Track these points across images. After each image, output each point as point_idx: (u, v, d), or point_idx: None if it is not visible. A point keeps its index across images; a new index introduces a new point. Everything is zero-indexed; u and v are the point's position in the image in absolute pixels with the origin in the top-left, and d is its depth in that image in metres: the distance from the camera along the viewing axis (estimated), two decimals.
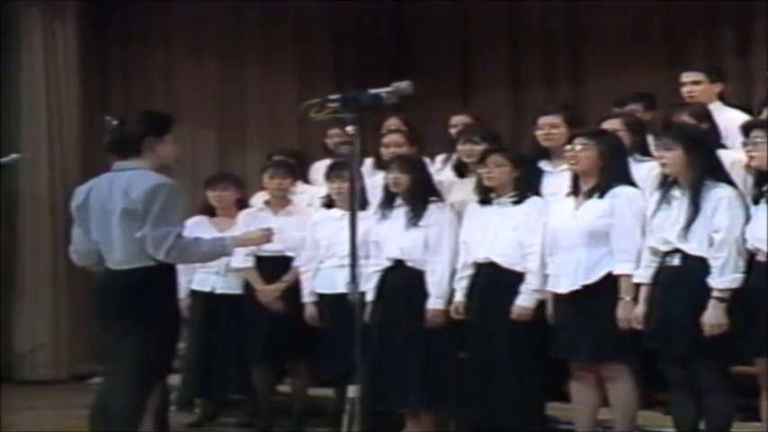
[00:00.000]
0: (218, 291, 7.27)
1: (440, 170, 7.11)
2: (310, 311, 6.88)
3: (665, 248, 5.37)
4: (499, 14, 10.88)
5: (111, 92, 10.42)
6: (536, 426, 6.07)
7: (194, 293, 7.27)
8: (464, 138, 6.77)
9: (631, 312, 5.51)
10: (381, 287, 6.45)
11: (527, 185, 6.16)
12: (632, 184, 5.70)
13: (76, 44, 10.00)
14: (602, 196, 5.64)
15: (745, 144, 5.41)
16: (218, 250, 5.25)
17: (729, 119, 6.33)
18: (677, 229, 5.29)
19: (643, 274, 5.47)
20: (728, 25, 9.42)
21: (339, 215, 6.68)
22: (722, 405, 5.32)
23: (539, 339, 5.93)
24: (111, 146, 5.11)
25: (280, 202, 7.20)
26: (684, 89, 6.71)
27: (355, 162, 4.62)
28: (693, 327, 5.17)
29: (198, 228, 6.80)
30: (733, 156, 5.72)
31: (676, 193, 5.37)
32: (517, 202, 6.12)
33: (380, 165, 7.04)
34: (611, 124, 6.16)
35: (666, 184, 5.43)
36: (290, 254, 7.06)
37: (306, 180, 7.88)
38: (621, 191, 5.63)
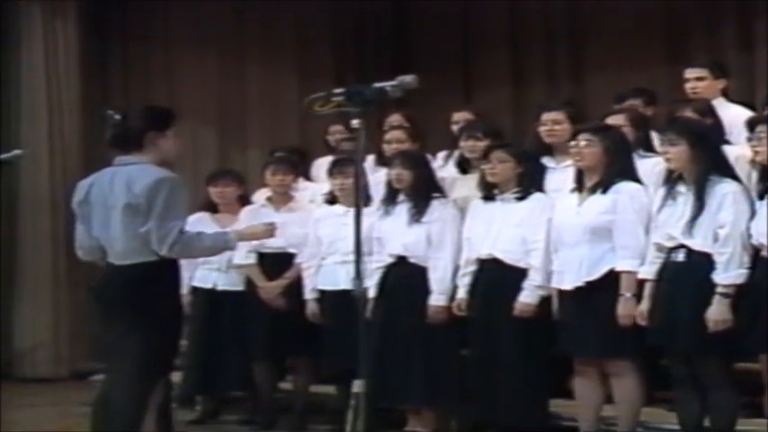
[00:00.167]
0: (220, 287, 7.28)
1: (442, 167, 7.08)
2: (312, 308, 6.85)
3: (669, 244, 5.34)
4: (500, 13, 10.88)
5: (111, 90, 10.41)
6: (539, 422, 6.05)
7: (196, 290, 7.27)
8: (467, 134, 6.74)
9: (632, 309, 5.48)
10: (383, 283, 6.44)
11: (530, 181, 6.14)
12: (636, 179, 5.67)
13: (77, 42, 10.00)
14: (605, 192, 5.61)
15: (749, 139, 5.41)
16: (221, 244, 5.23)
17: (733, 115, 6.33)
18: (682, 224, 5.27)
19: (648, 270, 5.45)
20: (729, 24, 9.41)
21: (342, 211, 6.68)
22: (727, 402, 5.29)
23: (542, 336, 5.92)
24: (114, 140, 5.08)
25: (282, 198, 7.19)
26: (688, 85, 6.70)
27: (360, 156, 4.60)
28: (698, 323, 5.15)
29: (200, 224, 6.75)
30: (737, 151, 5.70)
31: (681, 188, 5.34)
32: (520, 198, 6.11)
33: (382, 161, 7.02)
34: (614, 120, 6.13)
35: (671, 179, 5.40)
36: (292, 250, 7.05)
37: (307, 177, 7.85)
38: (624, 187, 5.61)
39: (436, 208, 6.38)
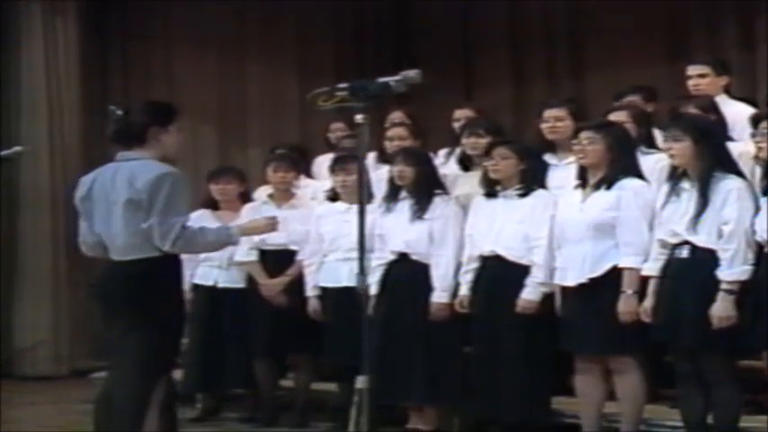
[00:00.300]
0: (221, 285, 7.27)
1: (443, 164, 7.07)
2: (314, 305, 6.84)
3: (673, 241, 5.32)
4: (500, 12, 10.88)
5: (111, 89, 10.40)
6: (541, 419, 6.04)
7: (196, 287, 7.25)
8: (469, 131, 6.74)
9: (634, 306, 5.47)
10: (385, 281, 6.42)
11: (533, 178, 6.12)
12: (640, 176, 5.66)
13: (77, 42, 10.00)
14: (608, 188, 5.60)
15: (753, 135, 5.39)
16: (224, 239, 5.21)
17: (736, 112, 6.32)
18: (686, 220, 5.25)
19: (652, 267, 5.43)
20: (729, 23, 9.42)
21: (343, 208, 6.68)
22: (731, 399, 5.27)
23: (544, 333, 5.90)
24: (115, 136, 5.06)
25: (283, 195, 7.18)
26: (690, 82, 6.69)
27: (363, 151, 4.58)
28: (702, 319, 5.13)
29: (201, 221, 6.66)
30: (740, 148, 5.69)
31: (685, 185, 5.32)
32: (523, 195, 6.09)
33: (384, 158, 7.00)
34: (617, 117, 6.12)
35: (675, 176, 5.38)
36: (293, 247, 7.04)
37: (308, 175, 7.84)
38: (628, 183, 5.59)
39: (438, 205, 6.37)
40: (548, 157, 6.39)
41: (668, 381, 5.72)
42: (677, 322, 5.24)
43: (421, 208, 6.36)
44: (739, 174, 5.29)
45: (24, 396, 8.34)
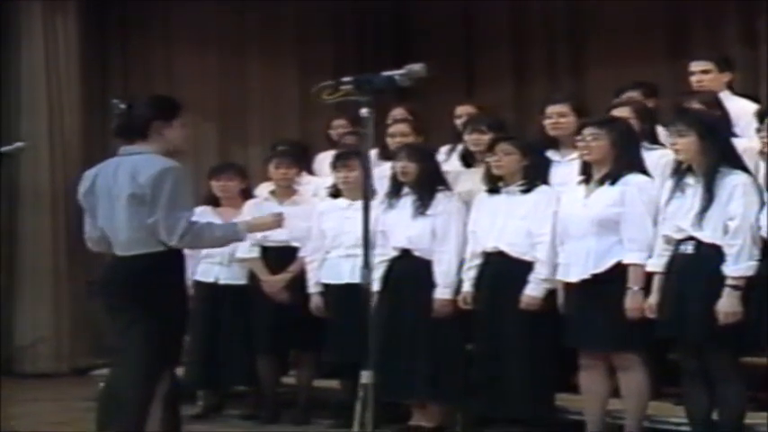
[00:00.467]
0: (222, 281, 7.24)
1: (445, 161, 7.06)
2: (316, 302, 6.83)
3: (678, 236, 5.30)
4: (501, 10, 10.86)
5: (111, 86, 10.35)
6: (544, 416, 6.03)
7: (198, 284, 7.21)
8: (471, 127, 6.72)
9: (640, 302, 5.45)
10: (388, 277, 6.40)
11: (536, 174, 6.12)
12: (645, 172, 5.64)
13: (77, 38, 9.97)
14: (613, 184, 5.58)
15: (758, 130, 5.38)
16: (231, 235, 5.19)
17: (739, 107, 6.31)
18: (691, 216, 5.23)
19: (656, 263, 5.41)
20: (731, 20, 9.41)
21: (345, 205, 6.67)
22: (736, 396, 5.26)
23: (548, 329, 5.89)
24: (119, 130, 5.04)
25: (285, 191, 7.16)
26: (693, 78, 6.67)
27: (368, 145, 4.56)
28: (708, 315, 5.11)
29: (202, 218, 6.62)
30: (744, 144, 5.67)
31: (690, 180, 5.30)
32: (526, 191, 6.08)
33: (386, 155, 6.98)
34: (620, 112, 6.10)
35: (680, 171, 5.36)
36: (295, 244, 7.02)
37: (310, 171, 7.82)
38: (632, 179, 5.58)
39: (441, 201, 6.36)
40: (550, 154, 6.38)
41: (672, 378, 5.70)
42: (683, 318, 5.22)
43: (423, 204, 6.34)
44: (744, 169, 5.28)
45: (25, 393, 8.30)
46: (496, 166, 6.12)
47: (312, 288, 6.85)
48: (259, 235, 6.58)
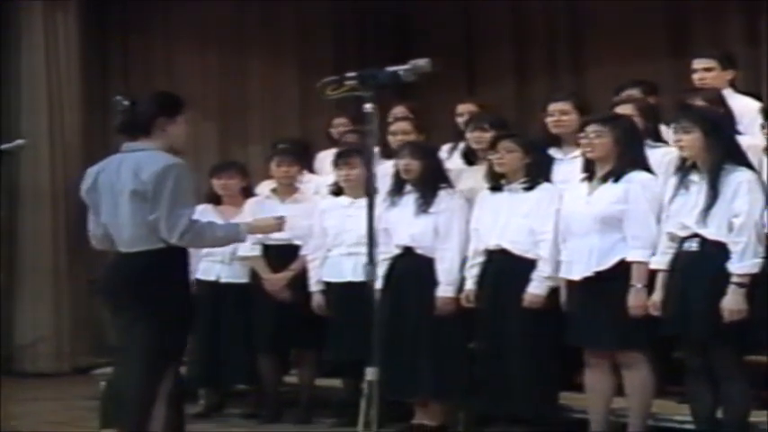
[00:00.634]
0: (224, 280, 7.23)
1: (447, 159, 7.04)
2: (318, 300, 6.81)
3: (683, 233, 5.28)
4: (502, 9, 10.86)
5: (112, 85, 10.34)
6: (547, 414, 6.02)
7: (199, 282, 7.18)
8: (473, 125, 6.71)
9: (643, 300, 5.43)
10: (390, 275, 6.37)
11: (538, 171, 6.10)
12: (648, 169, 5.62)
13: (78, 37, 9.97)
14: (616, 181, 5.56)
15: (763, 127, 5.36)
16: (233, 236, 5.17)
17: (742, 105, 6.28)
18: (696, 213, 5.20)
19: (660, 261, 5.39)
20: (733, 19, 9.41)
21: (347, 203, 6.66)
22: (740, 393, 5.23)
23: (551, 327, 5.88)
24: (122, 126, 5.01)
25: (287, 189, 7.15)
26: (696, 76, 6.64)
27: (372, 141, 4.54)
28: (712, 313, 5.09)
29: (203, 216, 6.61)
30: (748, 141, 5.64)
31: (695, 177, 5.28)
32: (528, 189, 6.07)
33: (387, 153, 6.96)
34: (623, 110, 6.08)
35: (684, 168, 5.34)
36: (297, 242, 7.01)
37: (311, 170, 7.80)
38: (636, 176, 5.55)
39: (443, 198, 6.34)
40: (553, 152, 6.36)
41: (676, 376, 5.68)
42: (687, 316, 5.20)
43: (426, 202, 6.33)
44: (749, 166, 5.25)
45: (26, 392, 8.29)
46: (499, 163, 6.11)
47: (314, 286, 6.83)
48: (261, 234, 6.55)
